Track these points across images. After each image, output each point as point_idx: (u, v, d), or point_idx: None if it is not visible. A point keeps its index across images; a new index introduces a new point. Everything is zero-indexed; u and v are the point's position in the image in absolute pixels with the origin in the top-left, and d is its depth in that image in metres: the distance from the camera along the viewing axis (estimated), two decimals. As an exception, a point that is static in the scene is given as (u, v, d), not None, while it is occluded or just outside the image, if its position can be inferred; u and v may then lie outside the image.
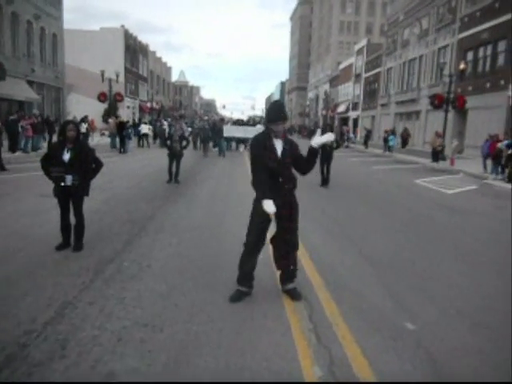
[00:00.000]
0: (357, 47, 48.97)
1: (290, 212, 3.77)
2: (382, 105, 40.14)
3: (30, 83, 26.34)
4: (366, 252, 5.65)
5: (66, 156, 4.95)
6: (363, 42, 47.23)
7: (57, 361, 2.81)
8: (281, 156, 3.70)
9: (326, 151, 11.27)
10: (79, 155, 5.00)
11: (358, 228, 7.08)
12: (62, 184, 4.92)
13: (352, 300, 4.00)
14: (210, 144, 22.18)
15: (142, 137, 25.11)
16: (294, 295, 3.91)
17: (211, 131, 21.78)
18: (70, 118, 22.75)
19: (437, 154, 20.34)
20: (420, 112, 32.41)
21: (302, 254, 5.23)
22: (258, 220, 3.76)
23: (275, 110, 3.76)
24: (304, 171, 3.92)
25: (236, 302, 3.80)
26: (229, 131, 22.98)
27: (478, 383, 2.90)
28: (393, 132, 29.23)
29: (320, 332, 3.34)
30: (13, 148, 16.10)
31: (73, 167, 4.94)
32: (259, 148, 3.71)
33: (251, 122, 33.02)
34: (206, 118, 26.78)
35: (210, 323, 3.44)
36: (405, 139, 30.95)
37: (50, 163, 5.00)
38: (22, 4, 25.08)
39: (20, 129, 16.21)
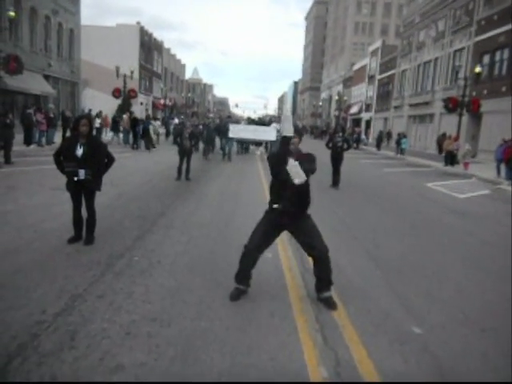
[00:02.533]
0: (371, 48, 48.63)
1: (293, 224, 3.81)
2: (396, 107, 39.84)
3: (46, 77, 26.69)
4: (375, 254, 5.64)
5: (79, 151, 5.01)
6: (378, 43, 46.89)
7: (66, 351, 2.87)
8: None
9: (336, 152, 11.24)
10: (92, 150, 5.06)
11: (367, 230, 7.06)
12: (75, 178, 4.99)
13: (359, 302, 4.00)
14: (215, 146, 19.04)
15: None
16: (329, 304, 3.81)
17: (216, 131, 18.81)
18: (85, 112, 22.95)
19: (450, 158, 20.14)
20: (434, 115, 32.09)
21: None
22: (265, 227, 3.84)
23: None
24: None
25: (236, 301, 3.82)
26: (235, 132, 17.75)
27: (478, 383, 2.90)
28: (405, 135, 28.98)
29: (327, 333, 3.35)
30: (28, 141, 16.34)
31: (86, 162, 5.00)
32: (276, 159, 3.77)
33: (265, 121, 25.94)
34: (210, 115, 23.31)
35: (217, 320, 3.47)
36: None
37: (63, 158, 5.08)
38: (40, -1, 25.42)
39: (35, 122, 16.43)
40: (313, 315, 3.64)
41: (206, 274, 4.48)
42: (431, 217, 8.68)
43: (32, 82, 23.87)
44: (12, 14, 18.99)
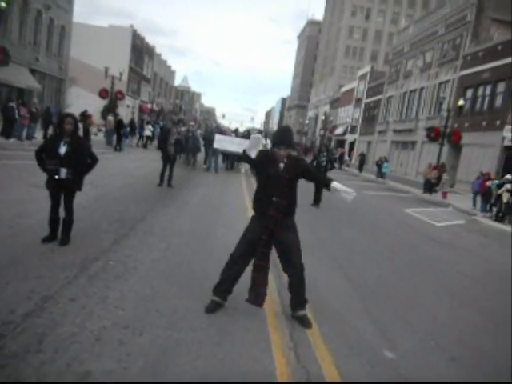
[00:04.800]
0: (360, 72, 49.74)
1: (269, 238, 3.73)
2: (380, 131, 40.65)
3: (33, 72, 26.24)
4: (351, 275, 5.68)
5: (63, 149, 4.92)
6: (367, 68, 48.01)
7: (32, 355, 2.77)
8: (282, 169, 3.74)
9: (320, 171, 11.36)
10: (75, 149, 4.98)
11: (344, 250, 7.12)
12: (56, 177, 4.89)
13: (333, 322, 4.01)
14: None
15: (144, 138, 25.99)
16: (303, 322, 3.79)
17: (203, 140, 18.17)
18: (69, 110, 22.63)
19: (429, 186, 20.61)
20: (416, 142, 32.87)
21: (289, 271, 5.24)
22: (250, 236, 3.79)
23: (279, 135, 3.87)
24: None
25: (212, 313, 3.77)
26: (220, 143, 16.93)
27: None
28: (386, 159, 29.57)
29: (300, 351, 3.34)
30: (7, 134, 15.96)
31: (68, 161, 4.91)
32: (264, 155, 3.79)
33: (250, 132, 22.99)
34: (192, 123, 20.92)
35: (190, 332, 3.42)
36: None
37: (45, 155, 4.98)
38: (34, -7, 25.14)
39: (17, 116, 16.09)
40: (287, 332, 3.63)
41: (183, 283, 4.42)
42: (408, 242, 8.82)
43: (17, 75, 23.43)
44: (3, 4, 18.66)
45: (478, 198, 16.41)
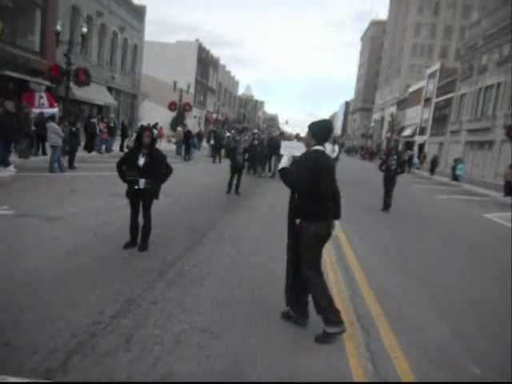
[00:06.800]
0: (429, 71, 47.42)
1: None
2: (452, 132, 38.36)
3: (109, 89, 28.27)
4: (428, 284, 5.40)
5: (141, 161, 5.24)
6: (436, 66, 45.66)
7: (121, 354, 2.96)
8: None
9: (390, 175, 10.97)
10: (153, 160, 5.28)
11: (420, 258, 6.78)
12: (136, 187, 5.22)
13: (412, 334, 3.83)
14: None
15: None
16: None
17: (268, 147, 17.28)
18: (142, 123, 23.97)
19: (510, 188, 19.01)
20: (494, 142, 30.53)
21: (361, 280, 5.12)
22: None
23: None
24: None
25: (286, 320, 3.76)
26: (287, 149, 16.30)
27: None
28: (461, 161, 27.77)
29: (377, 362, 3.23)
30: (89, 148, 17.31)
31: (146, 171, 5.22)
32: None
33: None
34: (255, 131, 20.94)
35: (265, 338, 3.45)
36: None
37: (125, 167, 5.34)
38: (110, 16, 27.15)
39: (98, 131, 17.41)
40: (363, 342, 3.53)
41: (255, 289, 4.48)
42: (490, 250, 8.20)
43: (97, 93, 25.36)
44: (85, 30, 20.39)
45: None
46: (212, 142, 24.34)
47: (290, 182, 3.54)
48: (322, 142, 3.63)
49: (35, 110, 13.85)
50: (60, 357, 2.83)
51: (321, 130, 3.65)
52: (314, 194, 3.48)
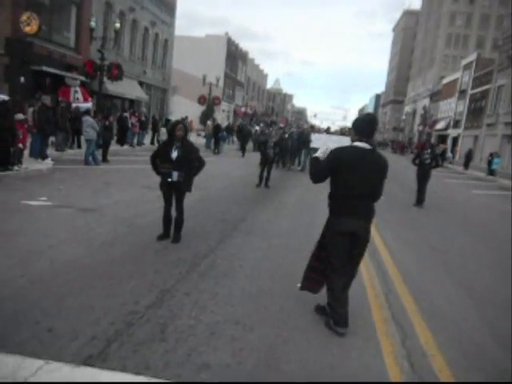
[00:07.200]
0: (464, 62, 45.72)
1: None
2: (488, 124, 36.94)
3: (141, 84, 28.77)
4: (465, 282, 5.24)
5: (174, 154, 5.30)
6: (472, 57, 43.96)
7: (157, 343, 3.02)
8: None
9: (424, 169, 10.69)
10: (186, 153, 5.33)
11: (456, 255, 6.58)
12: (169, 180, 5.29)
13: (449, 332, 3.73)
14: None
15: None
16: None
17: (298, 141, 17.08)
18: (170, 118, 24.25)
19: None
20: (534, 135, 29.24)
21: (395, 276, 5.03)
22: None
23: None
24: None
25: (319, 314, 3.74)
26: (317, 142, 15.58)
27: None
28: (498, 155, 26.71)
29: (414, 360, 3.17)
30: (121, 141, 17.70)
31: (179, 164, 5.28)
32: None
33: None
34: (281, 125, 20.54)
35: (297, 331, 3.45)
36: None
37: (159, 160, 5.41)
38: (141, 12, 27.57)
39: (130, 125, 17.77)
40: (398, 339, 3.47)
41: (286, 282, 4.47)
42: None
43: (129, 88, 25.86)
44: (118, 25, 20.81)
45: None
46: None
47: (310, 172, 3.63)
48: (363, 137, 3.47)
49: (72, 105, 14.30)
50: (99, 344, 2.91)
51: (358, 124, 3.57)
52: (335, 189, 3.50)
